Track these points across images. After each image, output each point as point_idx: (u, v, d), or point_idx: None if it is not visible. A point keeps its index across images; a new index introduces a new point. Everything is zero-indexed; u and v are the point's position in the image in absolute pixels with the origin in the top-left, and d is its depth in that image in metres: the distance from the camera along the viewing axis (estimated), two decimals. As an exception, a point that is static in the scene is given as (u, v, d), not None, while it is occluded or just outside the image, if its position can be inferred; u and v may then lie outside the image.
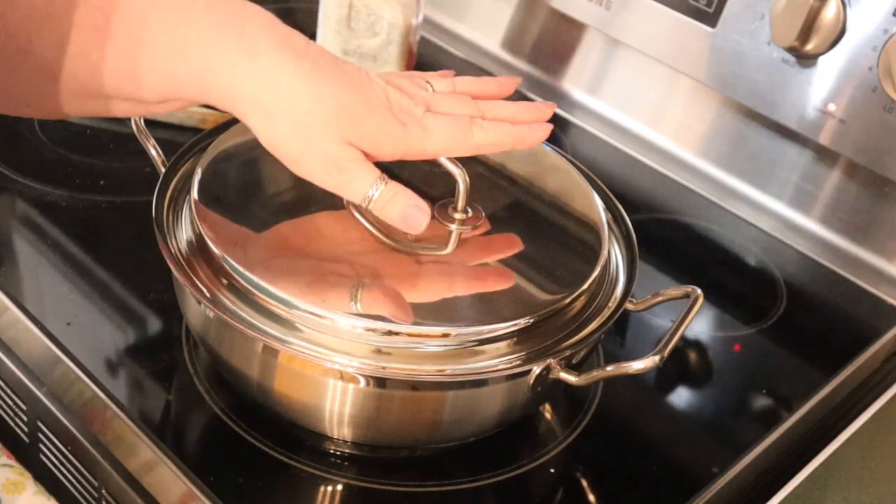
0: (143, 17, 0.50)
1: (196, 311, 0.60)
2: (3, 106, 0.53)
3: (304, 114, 0.52)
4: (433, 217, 0.61)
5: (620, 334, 0.73)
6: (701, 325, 0.76)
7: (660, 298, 0.63)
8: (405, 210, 0.54)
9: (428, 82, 0.59)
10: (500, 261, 0.60)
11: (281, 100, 0.52)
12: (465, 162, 0.59)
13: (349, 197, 0.55)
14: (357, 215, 0.61)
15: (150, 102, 0.53)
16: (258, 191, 0.64)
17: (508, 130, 0.57)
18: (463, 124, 0.56)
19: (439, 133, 0.55)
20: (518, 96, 1.02)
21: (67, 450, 0.67)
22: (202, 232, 0.58)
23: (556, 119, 0.99)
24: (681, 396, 0.71)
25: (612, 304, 0.61)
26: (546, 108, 0.60)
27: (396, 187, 0.54)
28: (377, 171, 0.54)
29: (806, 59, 0.81)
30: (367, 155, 0.54)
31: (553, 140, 0.93)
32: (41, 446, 0.69)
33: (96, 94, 0.52)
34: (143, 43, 0.50)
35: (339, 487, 0.60)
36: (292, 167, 0.54)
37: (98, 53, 0.50)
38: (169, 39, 0.51)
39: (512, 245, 0.61)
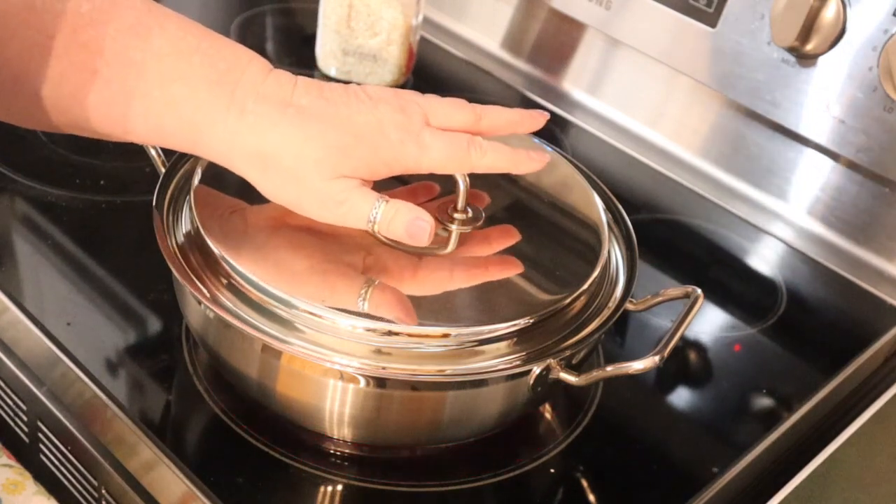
0: (140, 67, 0.51)
1: (196, 311, 0.60)
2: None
3: (294, 158, 0.53)
4: (433, 217, 0.61)
5: (620, 334, 0.73)
6: (701, 325, 0.76)
7: (660, 298, 0.63)
8: (408, 226, 0.55)
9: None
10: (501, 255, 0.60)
11: (271, 150, 0.53)
12: (465, 162, 0.59)
13: (353, 225, 0.55)
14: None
15: (137, 141, 0.54)
16: (258, 191, 0.64)
17: (506, 155, 0.58)
18: (461, 145, 0.56)
19: (436, 151, 0.55)
20: (519, 96, 1.02)
21: (67, 450, 0.67)
22: (202, 232, 0.58)
23: (556, 119, 0.99)
24: (681, 396, 0.71)
25: (612, 304, 0.61)
26: (540, 118, 0.61)
27: (396, 204, 0.55)
28: (374, 194, 0.54)
29: (806, 59, 0.81)
30: (364, 180, 0.55)
31: (553, 140, 0.94)
32: (41, 446, 0.69)
33: (87, 130, 0.53)
34: (135, 94, 0.51)
35: (339, 487, 0.60)
36: (295, 210, 0.55)
37: (91, 97, 0.51)
38: (162, 94, 0.51)
39: (509, 236, 0.61)
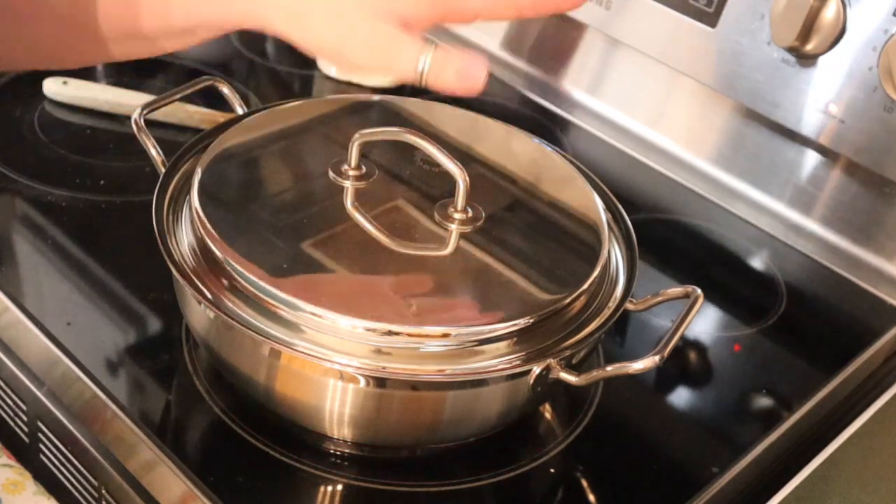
0: None
1: (196, 311, 0.60)
2: (33, 61, 0.52)
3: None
4: (433, 217, 0.61)
5: (620, 334, 0.73)
6: (701, 325, 0.76)
7: (660, 298, 0.63)
8: (459, 73, 0.52)
9: None
10: (501, 259, 0.60)
11: None
12: (465, 162, 0.59)
13: (401, 74, 0.52)
14: (357, 215, 0.61)
15: (157, 36, 0.52)
16: (258, 191, 0.64)
17: None
18: None
19: None
20: (519, 96, 1.02)
21: (67, 450, 0.67)
22: (202, 232, 0.58)
23: (556, 119, 0.99)
24: (681, 396, 0.71)
25: (612, 304, 0.61)
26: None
27: (446, 50, 0.52)
28: (423, 40, 0.51)
29: (806, 59, 0.81)
30: (408, 25, 0.52)
31: (553, 140, 0.94)
32: (41, 446, 0.69)
33: (112, 38, 0.51)
34: None
35: (339, 487, 0.60)
36: (338, 61, 0.52)
37: None
38: None
39: None
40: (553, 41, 1.03)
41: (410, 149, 0.61)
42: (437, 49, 0.52)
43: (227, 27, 0.52)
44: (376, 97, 0.74)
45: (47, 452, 0.69)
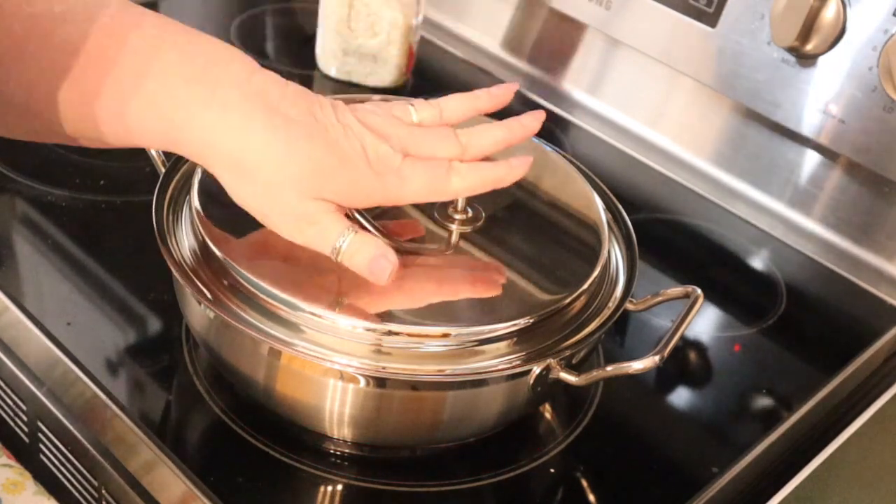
0: (113, 64, 0.49)
1: (196, 311, 0.60)
2: None
3: (274, 172, 0.51)
4: (433, 217, 0.61)
5: (620, 334, 0.73)
6: (701, 325, 0.76)
7: (660, 298, 0.63)
8: (371, 262, 0.54)
9: (413, 106, 0.58)
10: (501, 259, 0.60)
11: (252, 157, 0.51)
12: (465, 162, 0.59)
13: (317, 248, 0.54)
14: (357, 215, 0.61)
15: (112, 145, 0.52)
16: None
17: (486, 174, 0.57)
18: (440, 172, 0.55)
19: (416, 182, 0.54)
20: (518, 98, 1.02)
21: (67, 450, 0.67)
22: (202, 233, 0.58)
23: (556, 119, 0.99)
24: (681, 396, 0.71)
25: (612, 304, 0.61)
26: (534, 122, 0.59)
27: (364, 237, 0.54)
28: (346, 222, 0.54)
29: (806, 59, 0.81)
30: (340, 205, 0.54)
31: (553, 140, 0.94)
32: (41, 446, 0.70)
33: (63, 136, 0.51)
34: (108, 92, 0.49)
35: (339, 487, 0.60)
36: (262, 221, 0.54)
37: (62, 97, 0.49)
38: (137, 91, 0.50)
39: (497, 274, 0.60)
40: (553, 41, 1.03)
41: (410, 149, 0.61)
42: (357, 234, 0.53)
43: (181, 153, 0.53)
44: (376, 97, 0.74)
45: (47, 452, 0.69)
